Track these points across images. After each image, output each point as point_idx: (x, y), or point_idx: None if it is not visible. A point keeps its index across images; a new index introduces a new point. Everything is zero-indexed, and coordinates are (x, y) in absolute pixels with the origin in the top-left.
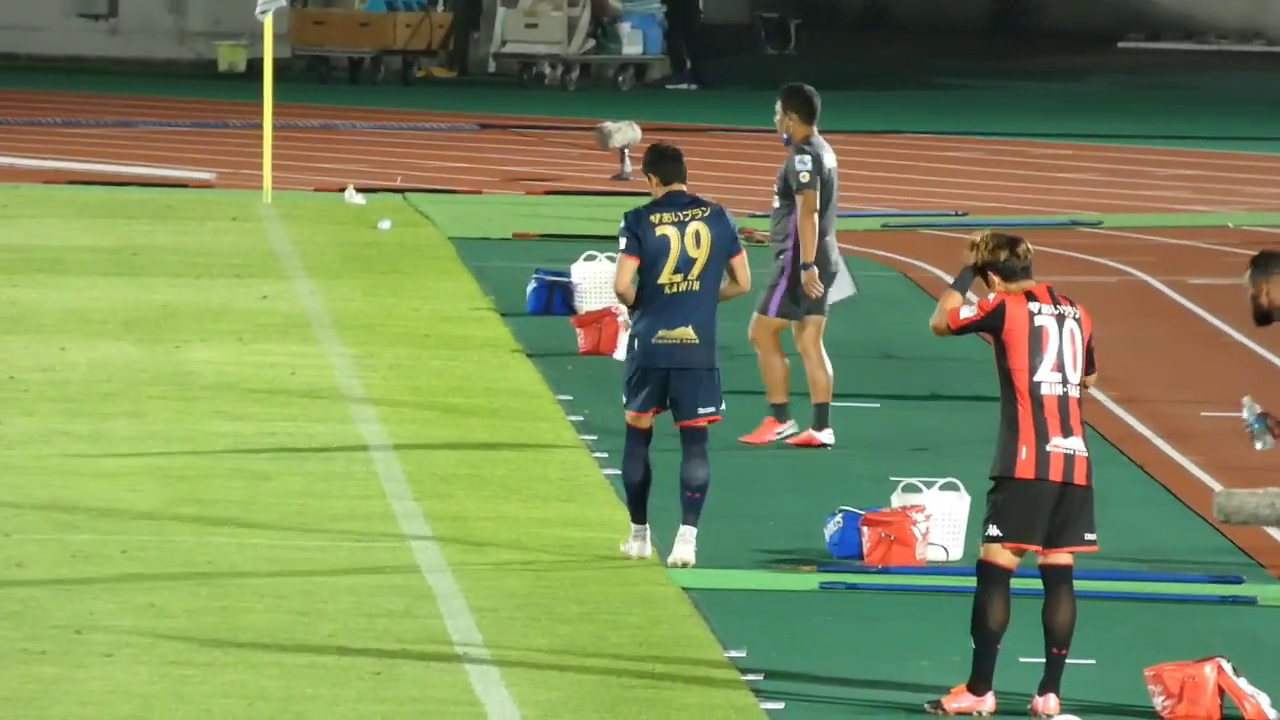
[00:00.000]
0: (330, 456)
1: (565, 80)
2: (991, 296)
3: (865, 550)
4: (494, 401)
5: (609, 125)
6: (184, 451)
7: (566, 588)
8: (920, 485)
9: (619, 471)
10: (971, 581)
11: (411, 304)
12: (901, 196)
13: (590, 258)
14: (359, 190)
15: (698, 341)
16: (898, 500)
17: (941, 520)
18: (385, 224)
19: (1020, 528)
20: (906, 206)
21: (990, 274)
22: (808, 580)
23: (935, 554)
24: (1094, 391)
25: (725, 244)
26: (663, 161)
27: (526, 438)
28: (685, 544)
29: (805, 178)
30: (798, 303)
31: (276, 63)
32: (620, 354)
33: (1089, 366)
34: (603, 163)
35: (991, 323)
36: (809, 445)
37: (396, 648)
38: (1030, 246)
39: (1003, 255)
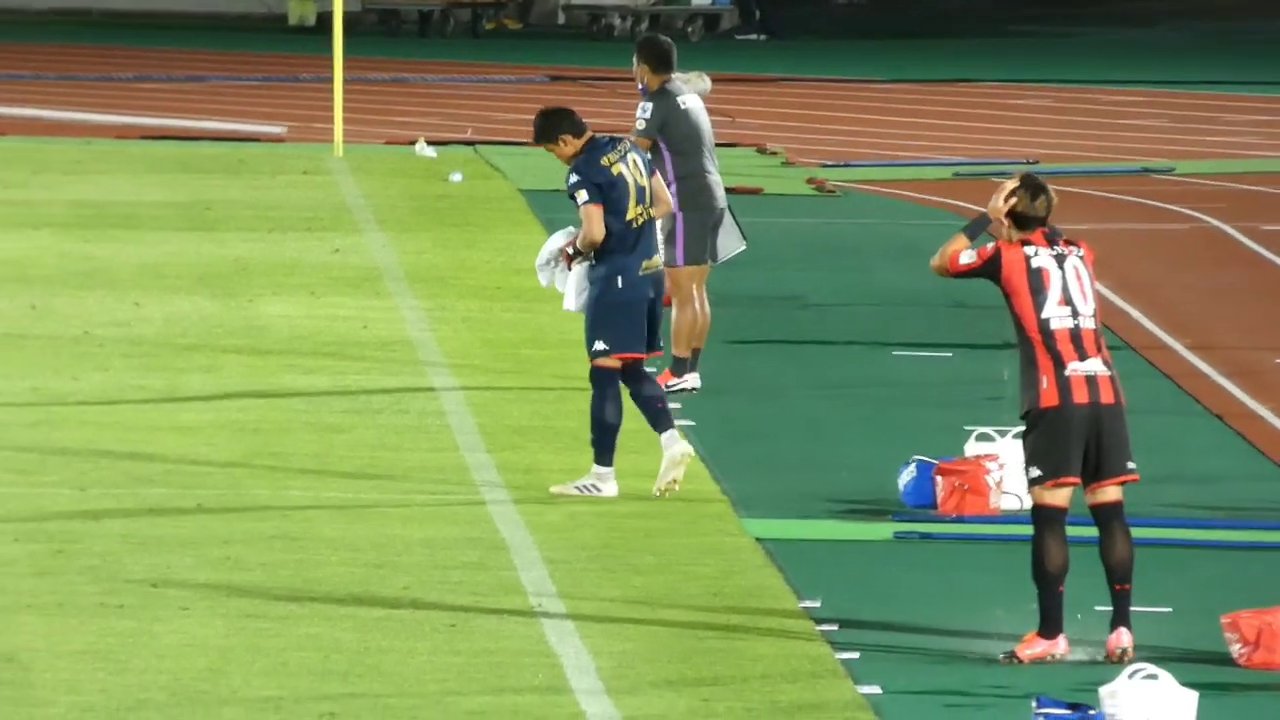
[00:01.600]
0: (403, 409)
1: (634, 31)
2: (989, 245)
3: (939, 499)
4: (566, 353)
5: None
6: (258, 405)
7: (640, 539)
8: (994, 434)
9: (693, 422)
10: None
11: (483, 256)
12: (972, 145)
13: None
14: (430, 143)
15: (662, 268)
16: (971, 449)
17: (1015, 469)
18: (456, 176)
19: (1058, 462)
20: (977, 155)
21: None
22: (882, 530)
23: (1009, 503)
24: (1168, 339)
25: (648, 167)
26: (571, 116)
27: None
28: (677, 441)
29: (640, 125)
30: (697, 247)
31: (347, 16)
32: (573, 304)
33: None
34: None
35: (988, 270)
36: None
37: (471, 600)
38: (1053, 198)
39: (1024, 202)
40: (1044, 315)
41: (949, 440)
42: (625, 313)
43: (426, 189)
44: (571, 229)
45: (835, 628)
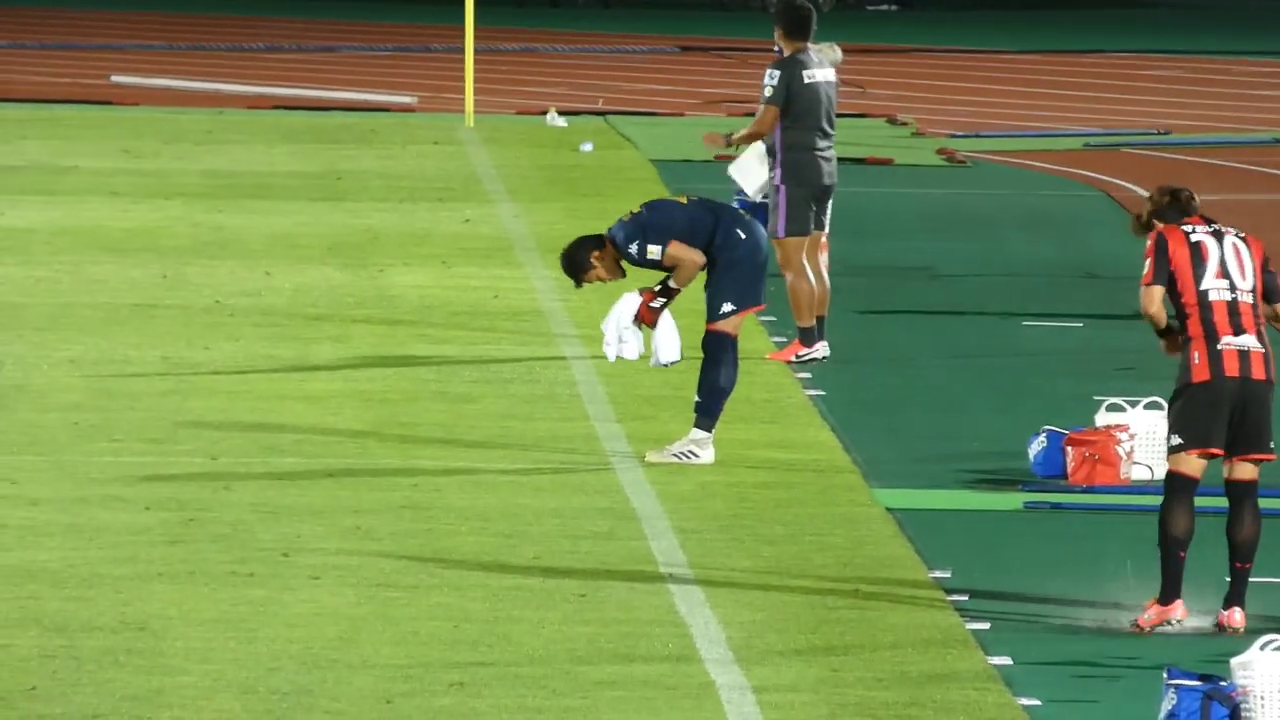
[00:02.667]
0: (533, 379)
1: (765, 2)
2: (1149, 240)
3: (1069, 470)
4: (697, 322)
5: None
6: (388, 375)
7: (770, 509)
8: (1124, 404)
9: (823, 393)
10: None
11: None
12: (1103, 116)
13: None
14: (560, 113)
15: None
16: (1102, 420)
17: (1145, 439)
18: (587, 146)
19: (1200, 432)
20: (1108, 125)
21: (1155, 221)
22: (1012, 500)
23: (1139, 473)
24: None
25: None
26: (582, 240)
27: None
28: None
29: (768, 92)
30: (800, 219)
31: None
32: (676, 353)
33: (1269, 295)
34: None
35: (1160, 257)
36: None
37: (601, 570)
38: (1190, 194)
39: (1167, 201)
40: (1202, 287)
41: (1079, 410)
42: (741, 268)
43: (557, 159)
44: (634, 295)
45: (965, 598)
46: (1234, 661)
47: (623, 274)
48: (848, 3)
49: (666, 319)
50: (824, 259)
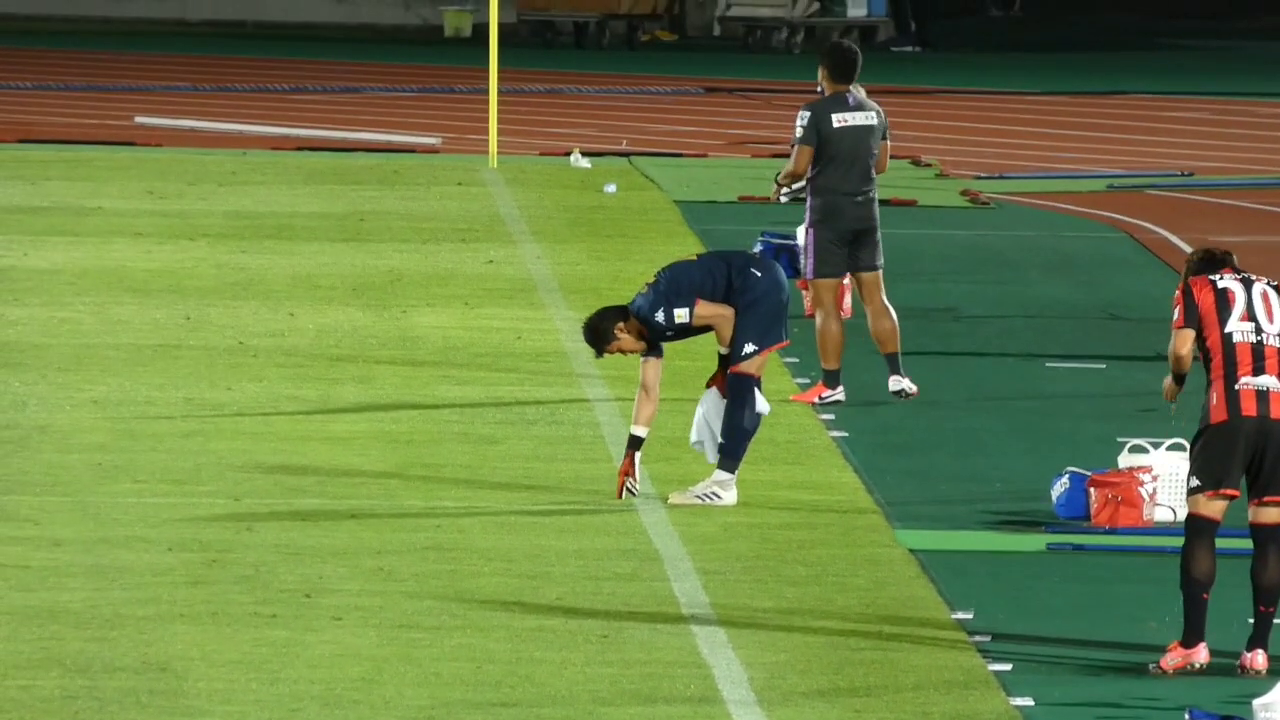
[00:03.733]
0: (557, 420)
1: (790, 43)
2: (1178, 291)
3: (1092, 511)
4: (709, 364)
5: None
6: (411, 416)
7: (793, 550)
8: (1147, 446)
9: (846, 434)
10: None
11: (638, 268)
12: (1127, 157)
13: None
14: (584, 154)
15: None
16: (1125, 461)
17: (1168, 481)
18: (611, 188)
19: (1217, 472)
20: (1132, 167)
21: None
22: (1035, 541)
23: (1162, 515)
24: None
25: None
26: (605, 311)
27: None
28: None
29: (798, 133)
30: (829, 261)
31: (502, 28)
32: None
33: None
34: None
35: (1189, 302)
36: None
37: (623, 611)
38: (1224, 252)
39: (1199, 257)
40: (1227, 330)
41: (1103, 452)
42: (760, 308)
43: (581, 200)
44: (711, 393)
45: (988, 639)
46: (1256, 703)
47: (645, 345)
48: (870, 44)
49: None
50: (883, 297)
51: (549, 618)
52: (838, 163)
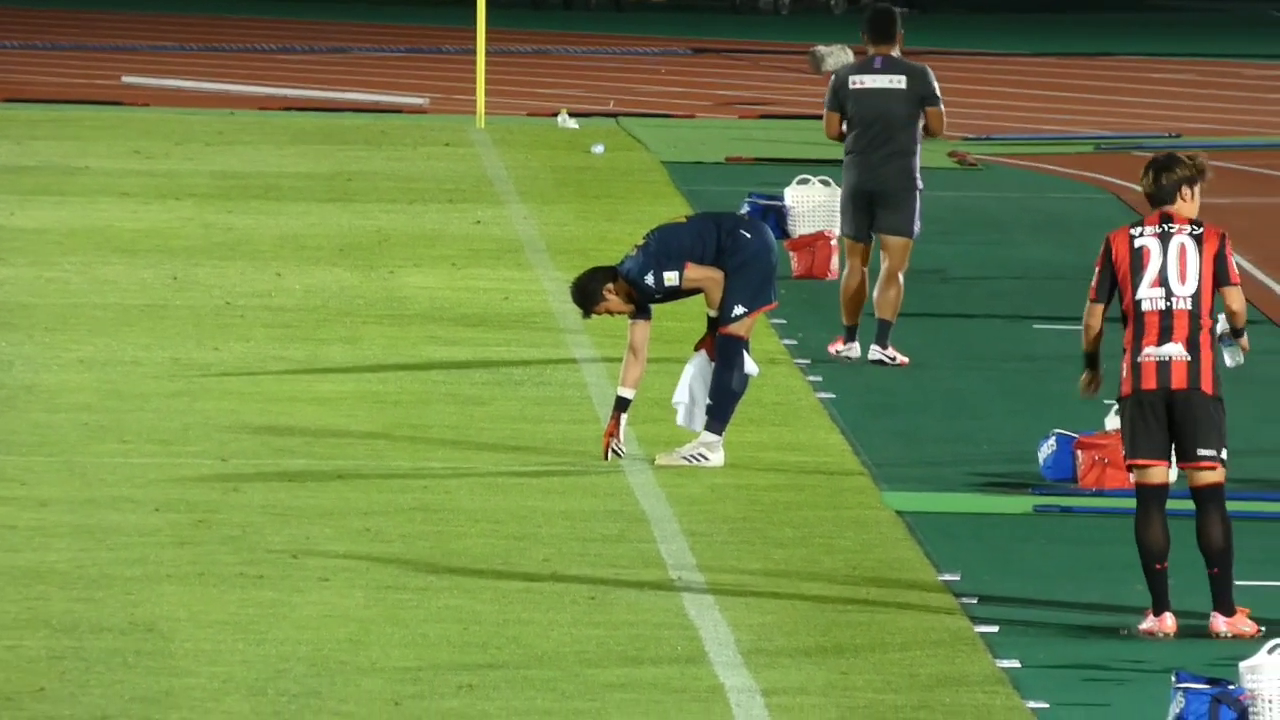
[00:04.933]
0: (544, 381)
1: (778, 4)
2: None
3: (1079, 473)
4: (697, 325)
5: (821, 49)
6: (398, 377)
7: (780, 511)
8: None
9: (833, 395)
10: (1184, 505)
11: (625, 228)
12: (1114, 119)
13: (803, 181)
14: (572, 115)
15: None
16: (1111, 423)
17: None
18: (598, 148)
19: (1138, 444)
20: (1119, 128)
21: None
22: (1021, 503)
23: None
24: None
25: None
26: (595, 270)
27: None
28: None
29: (827, 96)
30: (846, 219)
31: None
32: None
33: (1222, 278)
34: (816, 86)
35: (1104, 269)
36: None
37: (610, 572)
38: (1156, 179)
39: (1143, 177)
40: (1137, 296)
41: (1090, 414)
42: (750, 269)
43: (568, 161)
44: (699, 356)
45: (974, 601)
46: (1242, 665)
47: (633, 306)
48: (860, 5)
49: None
50: (897, 264)
51: (536, 579)
52: (856, 124)
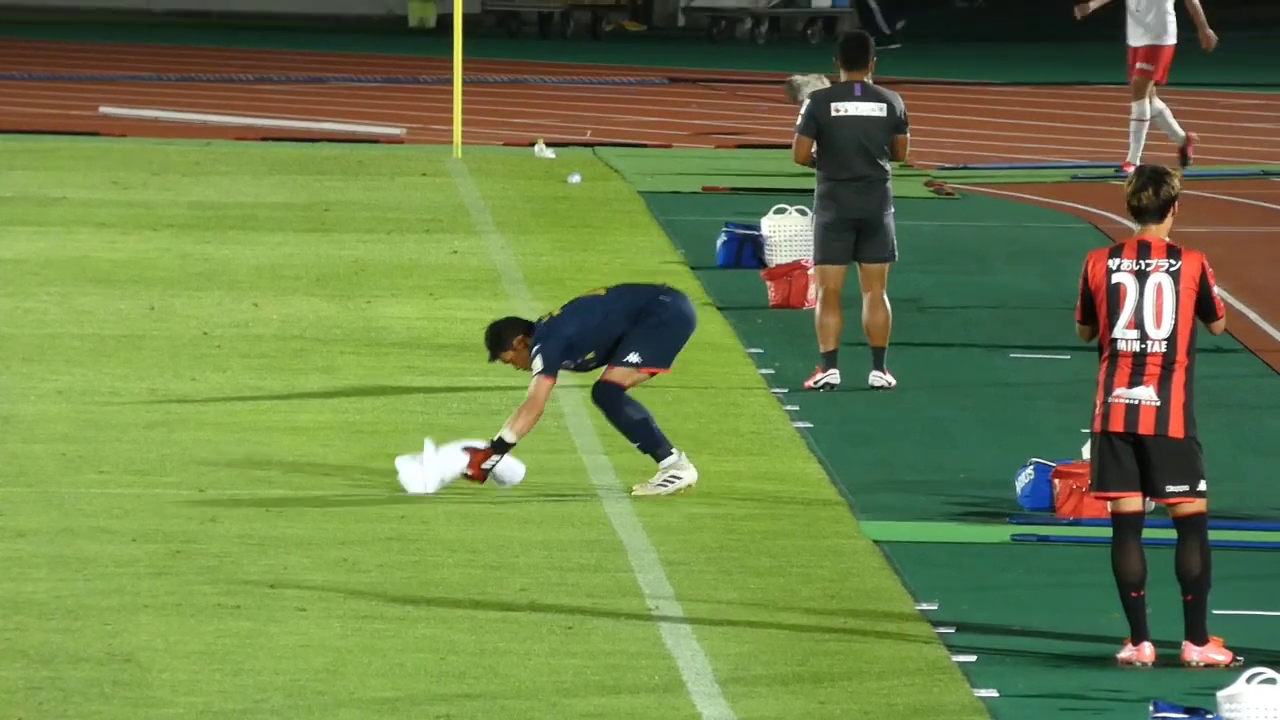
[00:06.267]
0: None
1: (755, 34)
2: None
3: (1057, 502)
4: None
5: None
6: (375, 406)
7: (758, 541)
8: None
9: (810, 424)
10: (1163, 534)
11: (602, 258)
12: (1091, 148)
13: (780, 211)
14: (549, 145)
15: None
16: (1088, 452)
17: None
18: (575, 178)
19: (1104, 478)
20: (1096, 158)
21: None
22: (999, 532)
23: None
24: None
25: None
26: (512, 321)
27: (717, 391)
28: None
29: (799, 122)
30: (827, 248)
31: (467, 18)
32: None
33: (1208, 314)
34: (792, 116)
35: (1084, 286)
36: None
37: (588, 602)
38: (1155, 193)
39: (1127, 189)
40: (1114, 335)
41: (1067, 442)
42: (664, 331)
43: (545, 190)
44: (461, 454)
45: (952, 630)
46: (1220, 695)
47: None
48: (835, 35)
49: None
50: (882, 290)
51: (513, 609)
52: (836, 151)
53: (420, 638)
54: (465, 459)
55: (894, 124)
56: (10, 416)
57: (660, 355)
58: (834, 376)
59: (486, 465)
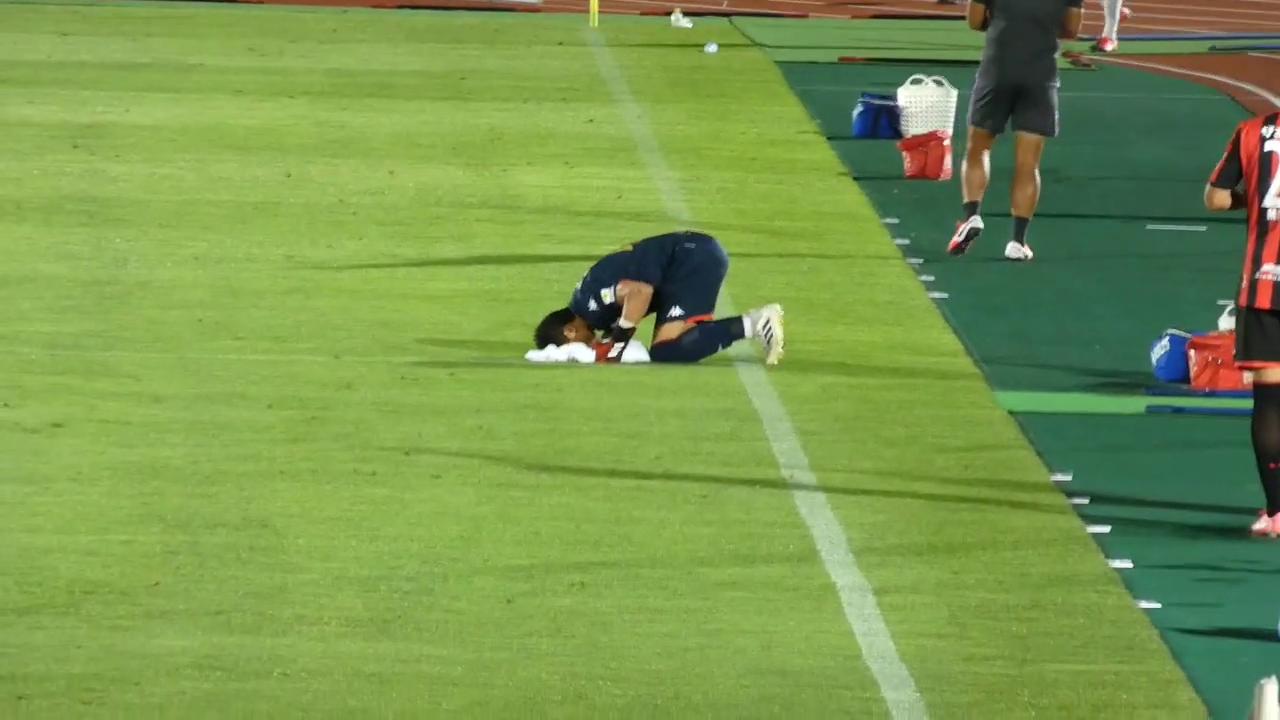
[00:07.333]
0: None
1: None
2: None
3: (1192, 373)
4: (820, 225)
5: None
6: (511, 274)
7: (892, 411)
8: None
9: (946, 295)
10: None
11: (738, 127)
12: (1230, 19)
13: (917, 82)
14: (685, 14)
15: None
16: (1225, 324)
17: None
18: (711, 47)
19: (1249, 348)
20: (1234, 29)
21: None
22: (1134, 404)
23: None
24: None
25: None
26: (556, 315)
27: (853, 261)
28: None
29: None
30: (979, 111)
31: None
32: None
33: None
34: None
35: (1230, 158)
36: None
37: (723, 471)
38: None
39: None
40: (1264, 204)
41: (1203, 314)
42: (697, 277)
43: (681, 60)
44: (586, 350)
45: (1086, 501)
46: None
47: (600, 331)
48: None
49: (631, 348)
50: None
51: (648, 478)
52: (1005, 18)
53: (555, 505)
54: (591, 353)
55: None
56: (147, 282)
57: (701, 302)
58: (977, 221)
59: (612, 355)
